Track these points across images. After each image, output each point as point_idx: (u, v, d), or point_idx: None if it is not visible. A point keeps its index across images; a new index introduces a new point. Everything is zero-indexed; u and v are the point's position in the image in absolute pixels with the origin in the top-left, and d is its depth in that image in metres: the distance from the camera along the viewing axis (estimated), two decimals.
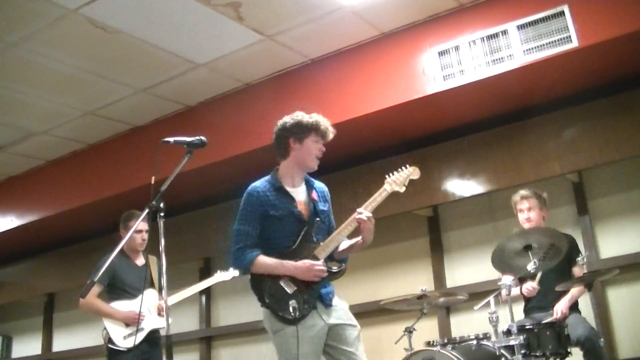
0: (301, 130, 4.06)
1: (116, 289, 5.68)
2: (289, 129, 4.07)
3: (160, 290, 5.74)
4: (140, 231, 5.73)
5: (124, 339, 5.54)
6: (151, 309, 5.75)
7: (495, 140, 6.65)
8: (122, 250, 5.69)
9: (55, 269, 9.58)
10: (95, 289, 5.58)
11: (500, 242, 5.06)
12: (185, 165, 3.89)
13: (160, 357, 5.72)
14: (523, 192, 5.64)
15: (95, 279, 5.51)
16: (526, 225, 5.54)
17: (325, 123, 4.10)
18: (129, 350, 5.48)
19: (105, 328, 5.61)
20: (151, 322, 5.71)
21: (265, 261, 3.90)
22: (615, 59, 5.62)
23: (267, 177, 4.13)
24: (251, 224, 3.98)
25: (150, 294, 5.84)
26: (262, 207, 3.99)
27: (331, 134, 4.12)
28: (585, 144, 6.19)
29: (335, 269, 4.00)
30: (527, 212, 5.55)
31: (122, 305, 5.64)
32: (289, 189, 4.08)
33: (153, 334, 5.71)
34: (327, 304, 3.96)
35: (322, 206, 4.15)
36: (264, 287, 3.90)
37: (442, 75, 5.88)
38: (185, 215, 8.20)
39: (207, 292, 8.59)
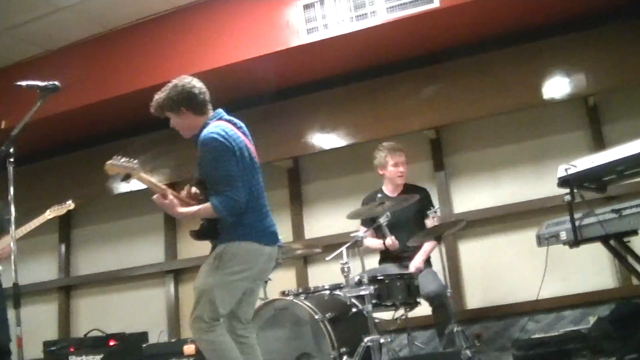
0: None
1: None
2: None
3: None
4: None
5: None
6: None
7: (358, 95, 6.73)
8: None
9: None
10: None
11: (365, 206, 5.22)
12: (40, 111, 3.80)
13: (2, 309, 5.11)
14: (395, 145, 5.68)
15: None
16: (399, 181, 5.65)
17: None
18: None
19: None
20: None
21: None
22: (473, 19, 5.81)
23: None
24: None
25: None
26: None
27: None
28: (444, 101, 6.38)
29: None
30: (402, 166, 5.64)
31: None
32: None
33: None
34: None
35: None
36: None
37: (306, 29, 5.90)
38: (41, 162, 7.90)
39: (66, 240, 8.37)
